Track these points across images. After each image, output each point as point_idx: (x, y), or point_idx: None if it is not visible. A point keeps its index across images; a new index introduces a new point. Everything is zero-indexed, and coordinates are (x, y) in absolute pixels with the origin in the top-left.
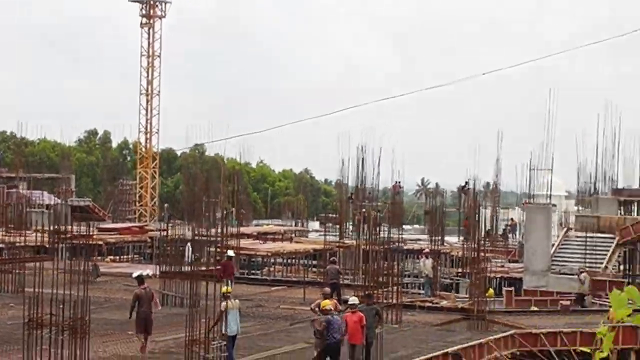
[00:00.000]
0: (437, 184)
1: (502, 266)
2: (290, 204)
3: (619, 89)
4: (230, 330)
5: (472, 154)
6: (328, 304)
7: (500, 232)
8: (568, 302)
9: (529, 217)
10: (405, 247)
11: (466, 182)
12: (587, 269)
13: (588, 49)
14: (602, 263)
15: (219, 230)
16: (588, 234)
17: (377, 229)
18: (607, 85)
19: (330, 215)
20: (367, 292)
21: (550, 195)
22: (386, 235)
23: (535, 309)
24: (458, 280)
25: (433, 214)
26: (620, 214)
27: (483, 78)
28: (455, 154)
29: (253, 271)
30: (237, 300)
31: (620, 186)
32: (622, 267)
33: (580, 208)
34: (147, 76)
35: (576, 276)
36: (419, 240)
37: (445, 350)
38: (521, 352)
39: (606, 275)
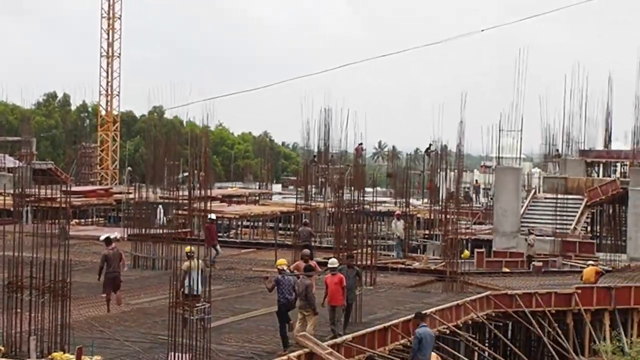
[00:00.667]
0: (394, 146)
1: (468, 228)
2: (250, 167)
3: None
4: (192, 290)
5: (437, 116)
6: (282, 263)
7: (463, 194)
8: (541, 263)
9: (498, 178)
10: (372, 209)
11: (430, 145)
12: (557, 230)
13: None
14: (570, 224)
15: (183, 193)
16: (557, 195)
17: (342, 191)
18: (574, 48)
19: (292, 177)
20: (348, 254)
21: (520, 157)
22: (351, 198)
23: (507, 270)
24: (425, 242)
25: (396, 176)
26: (587, 175)
27: (446, 41)
28: (420, 116)
29: (219, 234)
30: (200, 260)
31: (583, 148)
32: (590, 229)
33: (538, 170)
34: (108, 38)
35: (527, 238)
36: (384, 202)
37: (425, 312)
38: (496, 313)
39: (575, 237)
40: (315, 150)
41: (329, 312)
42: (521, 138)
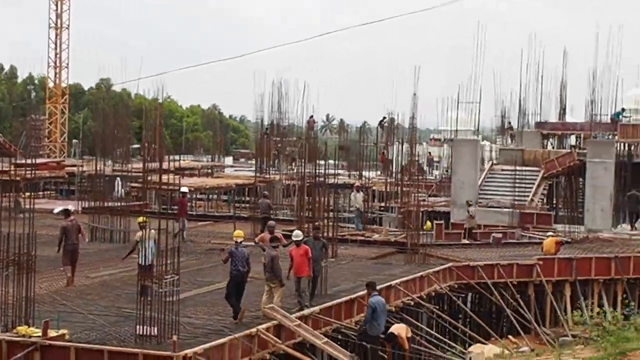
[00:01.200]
0: (342, 119)
1: (424, 200)
2: (200, 140)
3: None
4: (146, 259)
5: (391, 89)
6: (238, 235)
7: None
8: (500, 235)
9: (456, 150)
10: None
11: (384, 117)
12: (518, 201)
13: None
14: (528, 196)
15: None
16: (513, 167)
17: (299, 163)
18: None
19: (244, 150)
20: (315, 225)
21: (477, 130)
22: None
23: (466, 241)
24: (382, 214)
25: (348, 149)
26: (543, 147)
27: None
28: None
29: (174, 207)
30: (153, 231)
31: (539, 120)
32: (547, 201)
33: (487, 143)
34: (56, 9)
35: (468, 209)
36: (339, 175)
37: (390, 284)
38: (459, 285)
39: (533, 209)
40: (267, 123)
41: (295, 284)
42: (479, 110)
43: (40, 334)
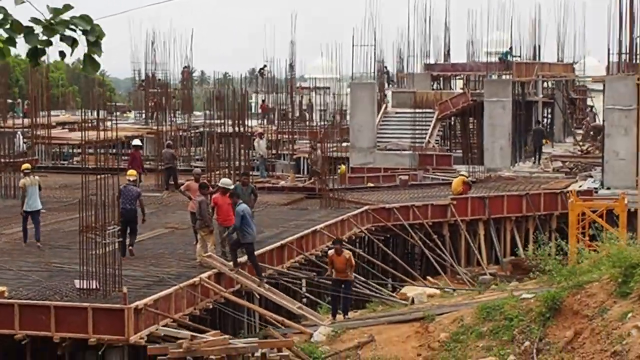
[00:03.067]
0: (202, 71)
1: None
2: (73, 95)
3: None
4: (29, 206)
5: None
6: (131, 174)
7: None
8: (406, 177)
9: (353, 94)
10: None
11: (264, 65)
12: (415, 144)
13: None
14: (424, 138)
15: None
16: (408, 110)
17: (173, 114)
18: None
19: (120, 104)
20: (243, 172)
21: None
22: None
23: (372, 185)
24: (274, 161)
25: (223, 98)
26: (433, 89)
27: None
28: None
29: (63, 162)
30: (36, 177)
31: (428, 62)
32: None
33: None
34: None
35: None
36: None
37: (315, 228)
38: (376, 227)
39: (432, 150)
40: (143, 75)
41: (220, 233)
42: (375, 53)
43: None
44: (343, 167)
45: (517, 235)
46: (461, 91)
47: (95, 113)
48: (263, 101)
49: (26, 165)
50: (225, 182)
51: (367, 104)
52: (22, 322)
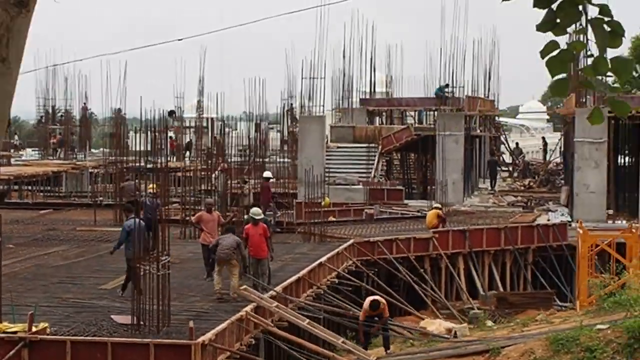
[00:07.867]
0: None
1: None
2: None
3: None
4: None
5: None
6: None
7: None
8: (373, 211)
9: (303, 128)
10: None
11: (172, 111)
12: (363, 178)
13: None
14: (369, 173)
15: None
16: (349, 144)
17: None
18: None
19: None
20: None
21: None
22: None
23: (333, 219)
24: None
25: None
26: (370, 123)
27: None
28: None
29: None
30: None
31: (364, 97)
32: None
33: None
34: None
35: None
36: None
37: (319, 261)
38: (361, 261)
39: (381, 185)
40: (42, 112)
41: (252, 266)
42: (324, 86)
43: (16, 329)
44: (327, 199)
45: (495, 268)
46: (404, 126)
47: None
48: (171, 138)
49: None
50: (256, 212)
51: (317, 138)
52: None
